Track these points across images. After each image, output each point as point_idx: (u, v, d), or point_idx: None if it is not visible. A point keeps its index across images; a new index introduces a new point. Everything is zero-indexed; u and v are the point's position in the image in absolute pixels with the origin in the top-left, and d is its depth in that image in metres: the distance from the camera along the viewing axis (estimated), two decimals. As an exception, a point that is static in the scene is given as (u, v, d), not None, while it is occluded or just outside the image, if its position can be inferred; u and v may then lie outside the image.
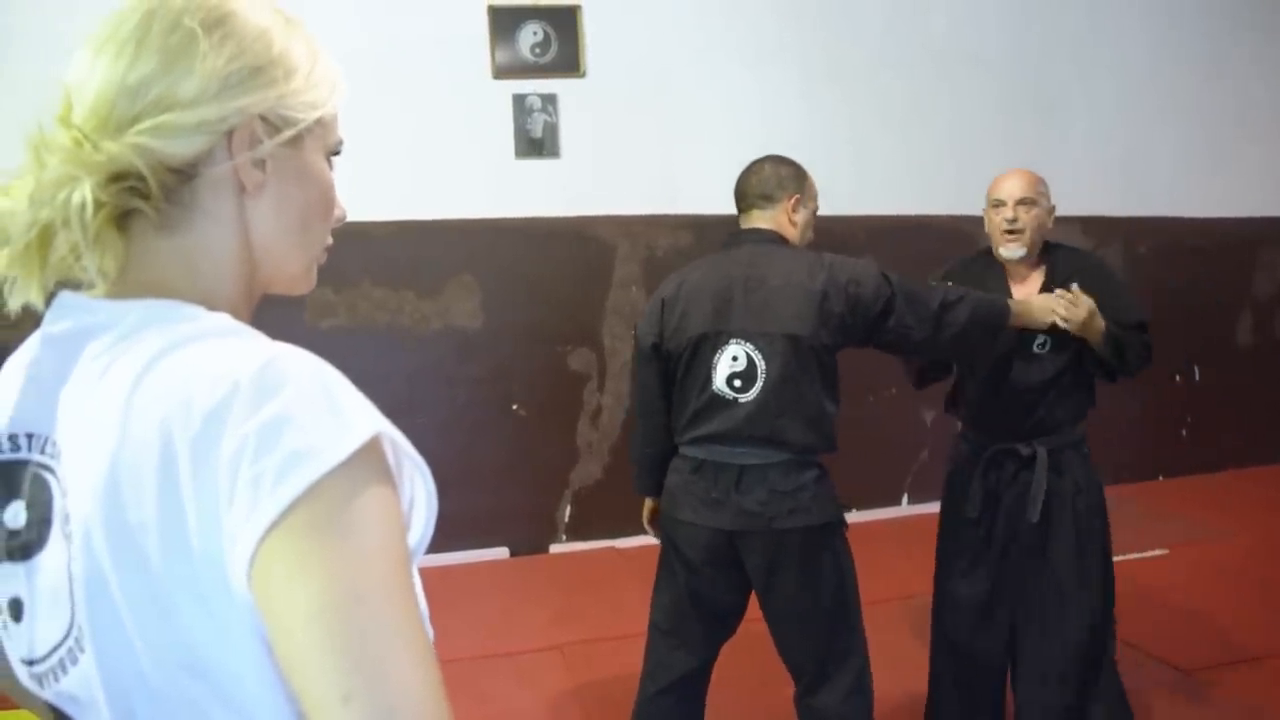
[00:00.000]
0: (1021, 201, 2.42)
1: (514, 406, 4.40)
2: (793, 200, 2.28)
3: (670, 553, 2.29)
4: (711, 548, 2.19)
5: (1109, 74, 5.08)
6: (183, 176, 0.70)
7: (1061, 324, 2.30)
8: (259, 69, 0.72)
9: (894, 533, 4.31)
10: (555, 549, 4.49)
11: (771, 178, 2.29)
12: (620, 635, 3.27)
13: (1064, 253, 2.53)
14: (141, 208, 0.69)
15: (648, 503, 2.45)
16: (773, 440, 2.13)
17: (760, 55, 4.56)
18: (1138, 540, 3.92)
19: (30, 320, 0.73)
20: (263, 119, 0.73)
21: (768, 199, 2.28)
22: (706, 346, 2.18)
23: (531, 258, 4.36)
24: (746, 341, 2.14)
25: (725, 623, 2.30)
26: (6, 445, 0.71)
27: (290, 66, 0.74)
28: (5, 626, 0.73)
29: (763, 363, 2.13)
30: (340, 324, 4.11)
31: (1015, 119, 4.94)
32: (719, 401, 2.16)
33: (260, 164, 0.74)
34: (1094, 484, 2.46)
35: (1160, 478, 5.36)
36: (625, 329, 4.46)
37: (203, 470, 0.61)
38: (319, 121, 0.77)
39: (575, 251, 4.41)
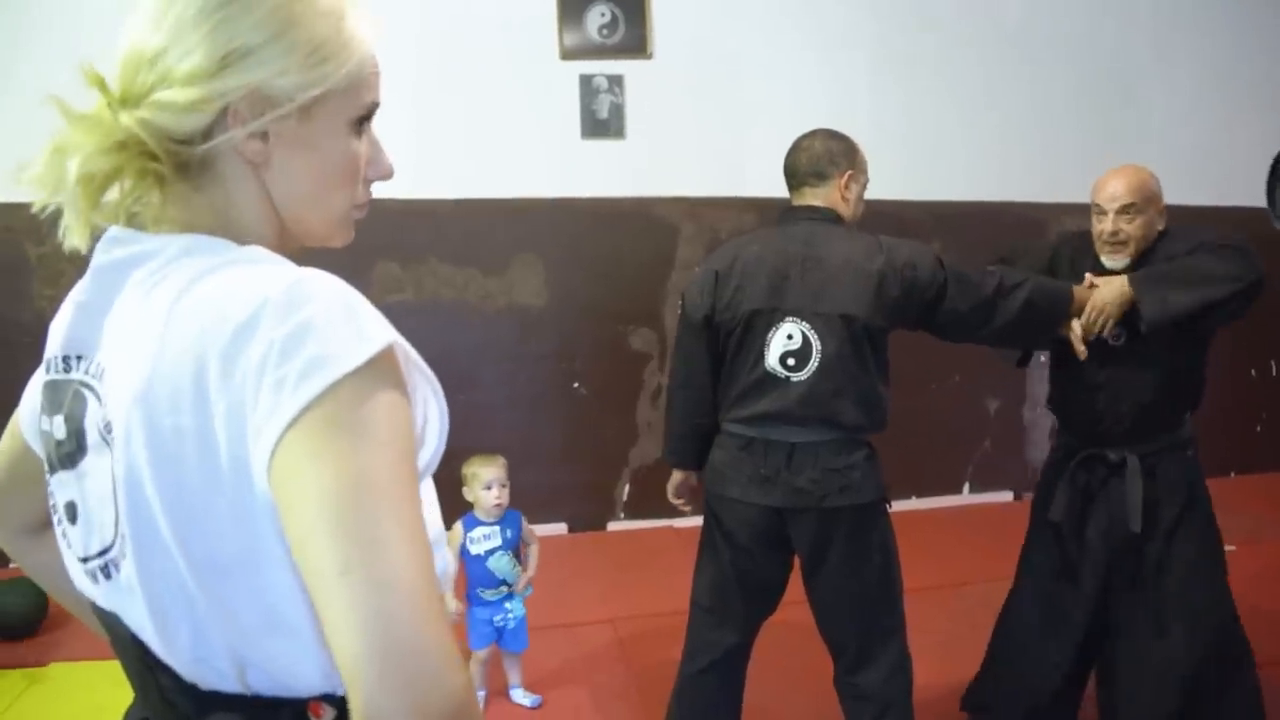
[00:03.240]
0: (1124, 210, 2.23)
1: (575, 385, 4.46)
2: (845, 177, 2.25)
3: (714, 530, 2.29)
4: (760, 525, 2.19)
5: (1188, 59, 4.94)
6: (191, 145, 0.75)
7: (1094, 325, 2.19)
8: (256, 48, 0.74)
9: (954, 521, 4.29)
10: (613, 526, 4.55)
11: (823, 155, 2.25)
12: (672, 612, 3.29)
13: (1168, 238, 2.29)
14: (160, 170, 0.74)
15: (676, 475, 2.46)
16: (826, 420, 2.13)
17: (828, 38, 4.53)
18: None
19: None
20: (261, 95, 0.75)
21: (820, 176, 2.25)
22: (760, 323, 2.16)
23: (596, 237, 4.40)
24: (802, 320, 2.13)
25: (767, 600, 2.31)
26: (59, 366, 0.79)
27: (291, 43, 0.76)
28: (65, 533, 0.80)
29: (818, 342, 2.12)
30: (406, 299, 4.20)
31: (1090, 105, 4.84)
32: (770, 380, 2.15)
33: (261, 137, 0.77)
34: (1194, 492, 2.30)
35: (1232, 474, 5.23)
36: (687, 310, 4.48)
37: (231, 376, 0.67)
38: (327, 94, 0.78)
39: (639, 232, 4.44)
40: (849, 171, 2.26)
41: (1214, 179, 5.00)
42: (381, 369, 0.68)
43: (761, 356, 2.16)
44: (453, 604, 2.63)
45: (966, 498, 4.91)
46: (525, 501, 4.39)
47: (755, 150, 4.48)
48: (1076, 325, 2.23)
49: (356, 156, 0.83)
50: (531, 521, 4.35)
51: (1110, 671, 2.36)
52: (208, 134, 0.75)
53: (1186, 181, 4.98)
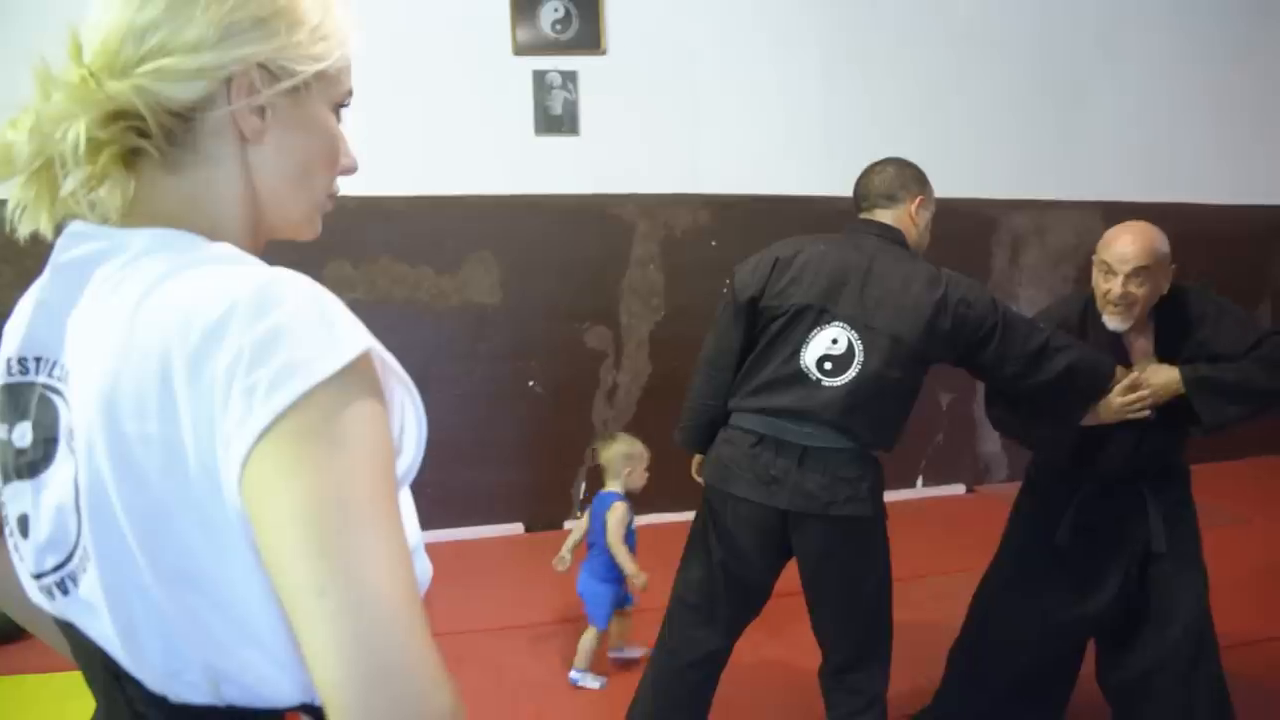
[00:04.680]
0: (1135, 273, 2.17)
1: (530, 383, 4.43)
2: (916, 202, 2.27)
3: (709, 527, 2.25)
4: (764, 527, 2.16)
5: (1134, 58, 5.04)
6: (183, 119, 0.73)
7: (1141, 413, 2.20)
8: (262, 20, 0.73)
9: (909, 514, 4.31)
10: (570, 525, 4.52)
11: (896, 178, 2.28)
12: (634, 609, 3.30)
13: (1176, 304, 2.28)
14: (145, 147, 0.72)
15: (698, 457, 2.41)
16: (844, 430, 2.11)
17: (781, 35, 4.54)
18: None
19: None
20: (263, 68, 0.74)
21: (891, 199, 2.27)
22: (806, 319, 2.14)
23: (550, 235, 4.38)
24: (852, 329, 2.11)
25: (752, 604, 2.30)
26: (16, 368, 0.75)
27: (296, 19, 0.76)
28: (16, 546, 0.76)
29: (862, 354, 2.10)
30: (359, 298, 4.14)
31: (1039, 103, 4.91)
32: (800, 378, 2.12)
33: (259, 111, 0.76)
34: (1188, 494, 2.41)
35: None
36: (642, 307, 4.47)
37: (199, 382, 0.64)
38: (322, 74, 0.78)
39: (594, 229, 4.43)
40: (920, 197, 2.28)
41: (1161, 176, 5.11)
42: (357, 376, 0.66)
43: (798, 353, 2.13)
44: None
45: (920, 491, 4.97)
46: (482, 501, 4.38)
47: (710, 147, 4.49)
48: (1119, 400, 2.22)
49: (338, 139, 0.83)
50: (488, 521, 4.37)
51: (1120, 643, 2.43)
52: (204, 107, 0.73)
53: (1134, 178, 5.10)
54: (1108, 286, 2.21)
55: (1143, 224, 2.25)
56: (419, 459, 0.76)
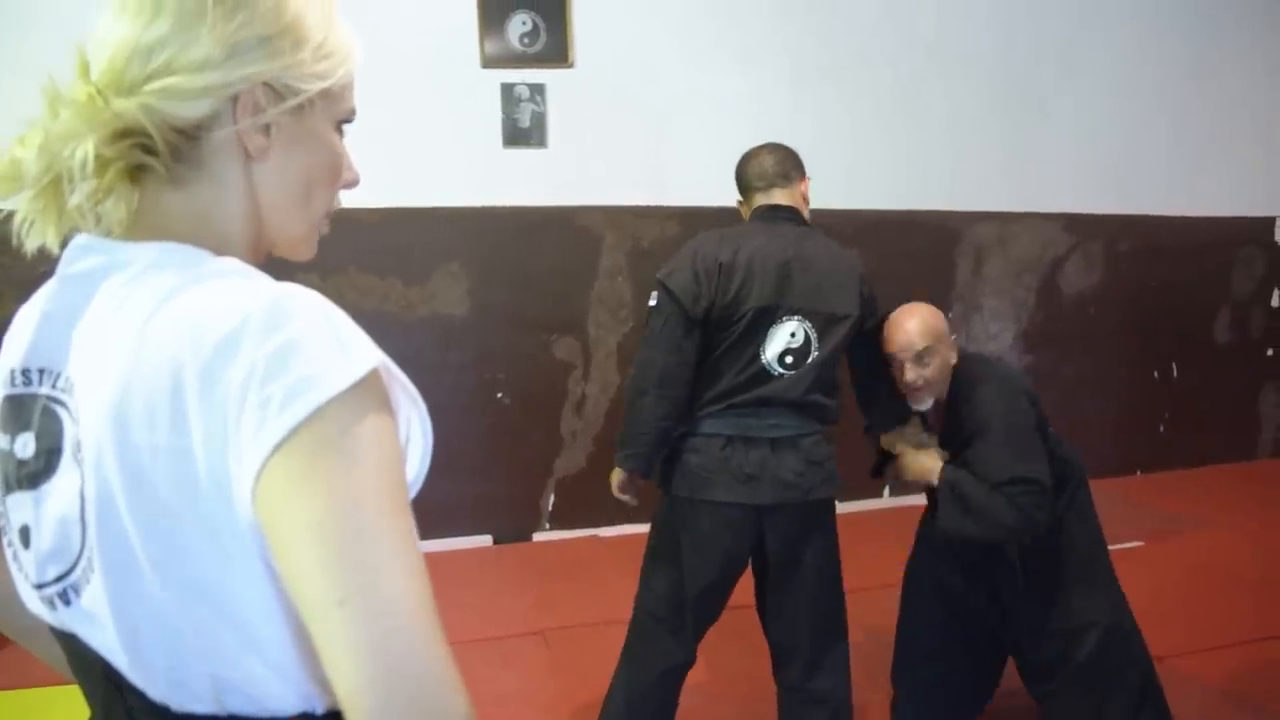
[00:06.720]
0: (919, 357, 2.23)
1: (499, 395, 4.42)
2: (804, 182, 2.35)
3: (678, 538, 2.24)
4: (742, 527, 2.17)
5: (1096, 73, 5.12)
6: (188, 137, 0.73)
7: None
8: (267, 39, 0.74)
9: (876, 525, 4.35)
10: (538, 537, 4.52)
11: (787, 159, 2.34)
12: (601, 621, 3.30)
13: (966, 387, 2.28)
14: (151, 164, 0.72)
15: (620, 473, 2.30)
16: (805, 405, 2.17)
17: (749, 48, 4.58)
18: (1114, 532, 3.93)
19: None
20: (268, 87, 0.75)
21: (786, 179, 2.32)
22: (765, 319, 2.15)
23: (518, 247, 4.37)
24: (805, 319, 2.16)
25: (716, 611, 2.30)
26: (20, 380, 0.75)
27: (300, 37, 0.76)
28: (16, 556, 0.76)
29: (817, 342, 2.17)
30: (326, 310, 4.10)
31: (1002, 116, 4.98)
32: (763, 377, 2.15)
33: (264, 129, 0.76)
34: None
35: (1139, 473, 5.43)
36: (610, 319, 4.48)
37: (211, 396, 0.64)
38: (325, 92, 0.79)
39: (562, 241, 4.43)
40: (806, 178, 2.35)
41: (1119, 188, 5.20)
42: (369, 391, 0.67)
43: (758, 354, 2.16)
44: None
45: (887, 501, 5.00)
46: (451, 514, 4.35)
47: (677, 159, 4.51)
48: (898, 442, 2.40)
49: (340, 155, 0.84)
50: (456, 534, 4.34)
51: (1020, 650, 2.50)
52: (210, 125, 0.74)
53: (1095, 191, 5.19)
54: (897, 375, 2.28)
55: (916, 307, 2.29)
56: (425, 470, 0.76)
